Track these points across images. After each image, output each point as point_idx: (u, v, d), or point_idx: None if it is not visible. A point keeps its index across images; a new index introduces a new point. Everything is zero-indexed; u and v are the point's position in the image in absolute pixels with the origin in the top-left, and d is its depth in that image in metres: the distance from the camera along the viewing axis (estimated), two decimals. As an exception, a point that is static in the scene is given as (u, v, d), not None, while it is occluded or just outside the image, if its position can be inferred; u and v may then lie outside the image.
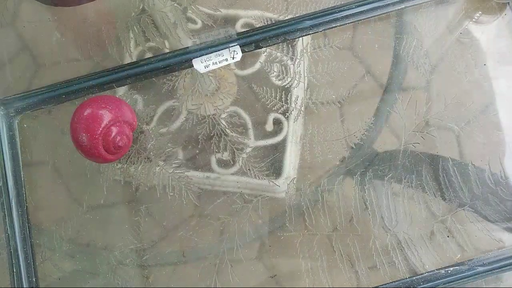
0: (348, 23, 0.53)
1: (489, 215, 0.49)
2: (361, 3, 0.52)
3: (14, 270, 0.50)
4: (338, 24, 0.53)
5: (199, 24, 0.54)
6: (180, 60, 0.52)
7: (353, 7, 0.52)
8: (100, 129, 0.45)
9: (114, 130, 0.46)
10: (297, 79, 0.53)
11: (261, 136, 0.52)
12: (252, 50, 0.53)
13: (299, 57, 0.53)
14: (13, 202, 0.51)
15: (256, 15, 0.54)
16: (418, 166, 0.50)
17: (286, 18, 0.53)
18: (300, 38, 0.53)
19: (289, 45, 0.54)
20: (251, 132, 0.52)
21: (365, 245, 0.50)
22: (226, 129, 0.52)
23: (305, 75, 0.53)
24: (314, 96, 0.52)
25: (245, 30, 0.53)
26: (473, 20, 0.54)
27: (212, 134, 0.52)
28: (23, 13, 0.57)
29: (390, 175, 0.50)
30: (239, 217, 0.51)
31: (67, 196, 0.52)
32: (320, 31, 0.53)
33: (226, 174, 0.51)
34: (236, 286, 0.50)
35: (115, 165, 0.52)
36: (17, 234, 0.50)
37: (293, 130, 0.52)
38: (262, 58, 0.54)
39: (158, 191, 0.51)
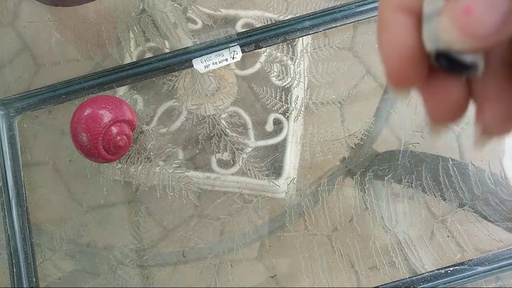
0: (348, 23, 0.53)
1: (489, 215, 0.49)
2: (361, 3, 0.52)
3: (14, 270, 0.50)
4: (338, 24, 0.53)
5: (199, 24, 0.54)
6: (180, 60, 0.52)
7: (353, 7, 0.52)
8: (100, 129, 0.45)
9: (114, 130, 0.46)
10: (297, 79, 0.53)
11: (261, 136, 0.52)
12: (252, 50, 0.53)
13: (299, 57, 0.53)
14: (13, 202, 0.51)
15: (256, 15, 0.54)
16: (418, 166, 0.50)
17: (286, 18, 0.53)
18: (300, 38, 0.53)
19: (289, 45, 0.54)
20: (251, 132, 0.52)
21: (365, 245, 0.50)
22: (226, 129, 0.52)
23: (305, 75, 0.53)
24: (314, 96, 0.52)
25: (245, 30, 0.53)
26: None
27: (212, 134, 0.52)
28: (23, 13, 0.57)
29: (390, 175, 0.50)
30: (239, 217, 0.50)
31: (67, 196, 0.52)
32: (320, 31, 0.53)
33: (226, 174, 0.51)
34: (236, 286, 0.50)
35: (115, 165, 0.52)
36: (17, 234, 0.50)
37: (293, 130, 0.52)
38: (262, 58, 0.54)
39: (158, 191, 0.51)
